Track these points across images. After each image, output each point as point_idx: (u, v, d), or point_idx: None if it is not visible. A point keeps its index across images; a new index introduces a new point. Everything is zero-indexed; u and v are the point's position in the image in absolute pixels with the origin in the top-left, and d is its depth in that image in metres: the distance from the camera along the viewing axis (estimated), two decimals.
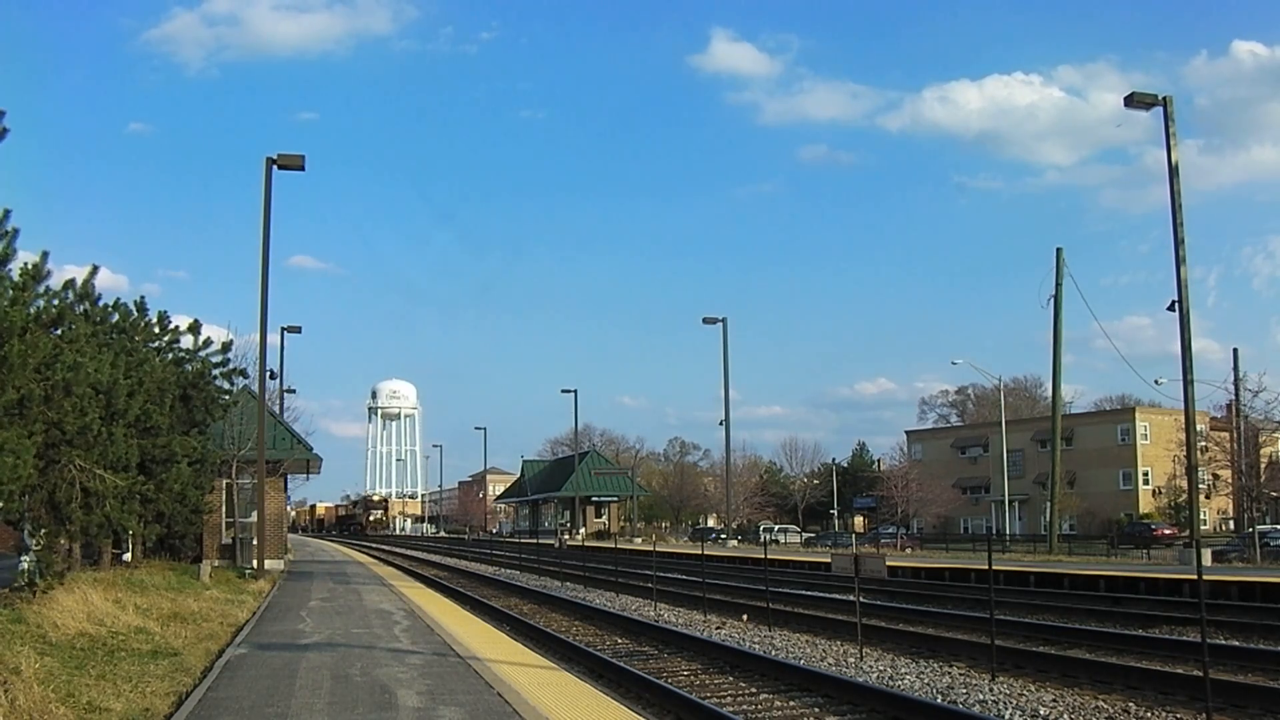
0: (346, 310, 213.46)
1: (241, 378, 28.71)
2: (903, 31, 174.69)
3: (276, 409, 41.62)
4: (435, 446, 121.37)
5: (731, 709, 10.21)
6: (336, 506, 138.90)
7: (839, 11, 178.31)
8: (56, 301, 15.54)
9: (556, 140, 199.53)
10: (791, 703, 10.82)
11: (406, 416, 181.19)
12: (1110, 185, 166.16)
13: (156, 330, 24.06)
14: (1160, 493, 73.67)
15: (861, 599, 16.29)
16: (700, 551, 29.74)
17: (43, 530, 16.61)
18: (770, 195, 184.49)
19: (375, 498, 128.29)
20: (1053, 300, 44.42)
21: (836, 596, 22.99)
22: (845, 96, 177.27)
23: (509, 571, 37.61)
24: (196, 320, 25.82)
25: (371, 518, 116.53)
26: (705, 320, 56.74)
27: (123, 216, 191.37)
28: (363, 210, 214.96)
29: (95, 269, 18.08)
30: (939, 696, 10.81)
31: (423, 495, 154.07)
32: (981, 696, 10.69)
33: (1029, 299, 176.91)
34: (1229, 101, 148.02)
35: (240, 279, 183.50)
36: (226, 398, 27.43)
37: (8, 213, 12.62)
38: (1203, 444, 48.66)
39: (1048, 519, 49.64)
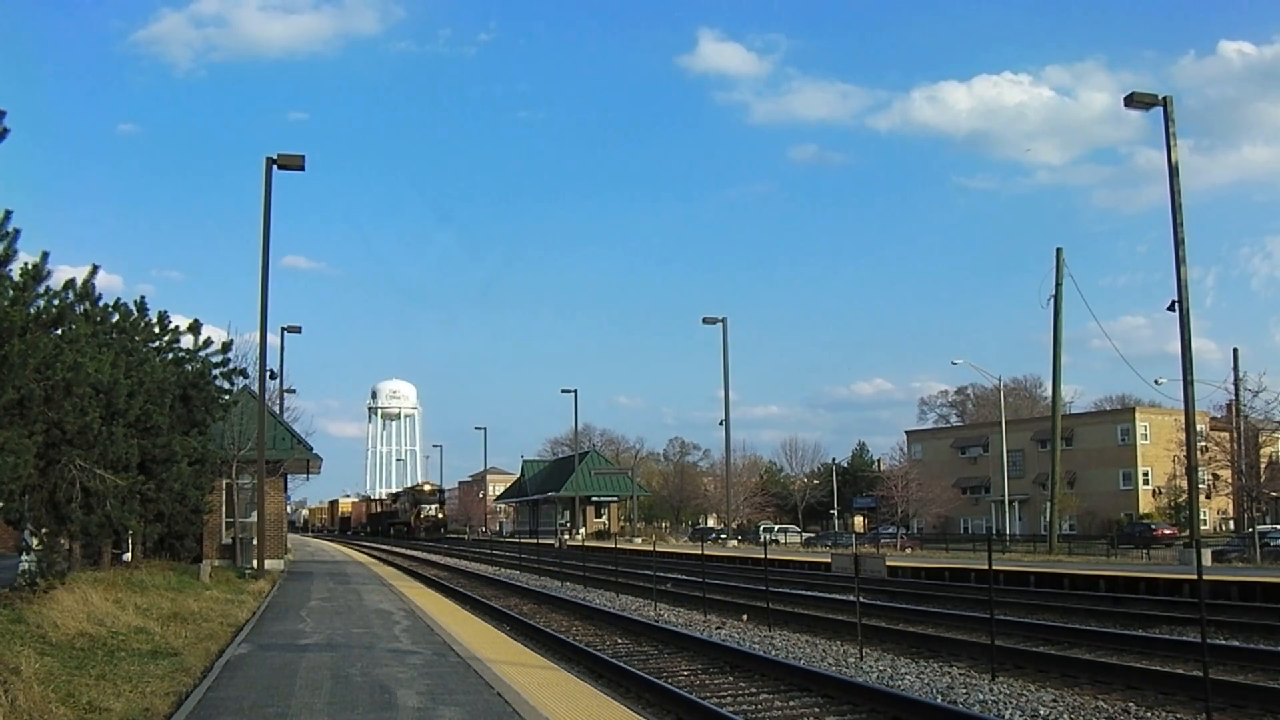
0: (343, 310, 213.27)
1: (241, 378, 28.72)
2: (890, 31, 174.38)
3: (276, 409, 41.63)
4: (435, 446, 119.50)
5: (731, 709, 10.22)
6: (368, 501, 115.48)
7: (826, 11, 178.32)
8: (57, 301, 15.51)
9: (555, 141, 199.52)
10: (791, 703, 10.82)
11: (406, 416, 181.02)
12: (1102, 185, 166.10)
13: (156, 330, 24.05)
14: (1160, 493, 73.65)
15: (861, 599, 16.28)
16: (700, 551, 29.74)
17: (43, 530, 16.61)
18: (763, 195, 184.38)
19: (426, 487, 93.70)
20: (1053, 300, 44.46)
21: (836, 596, 22.99)
22: (834, 96, 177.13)
23: (509, 571, 37.60)
24: (196, 320, 25.82)
25: (422, 515, 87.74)
26: (705, 320, 56.86)
27: (116, 217, 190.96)
28: (360, 210, 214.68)
29: (95, 269, 18.02)
30: (939, 696, 10.81)
31: None
32: (981, 696, 10.70)
33: (1027, 299, 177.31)
34: (1218, 101, 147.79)
35: (235, 279, 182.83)
36: (226, 398, 27.40)
37: (9, 214, 12.62)
38: (1203, 444, 48.63)
39: (1048, 519, 49.62)
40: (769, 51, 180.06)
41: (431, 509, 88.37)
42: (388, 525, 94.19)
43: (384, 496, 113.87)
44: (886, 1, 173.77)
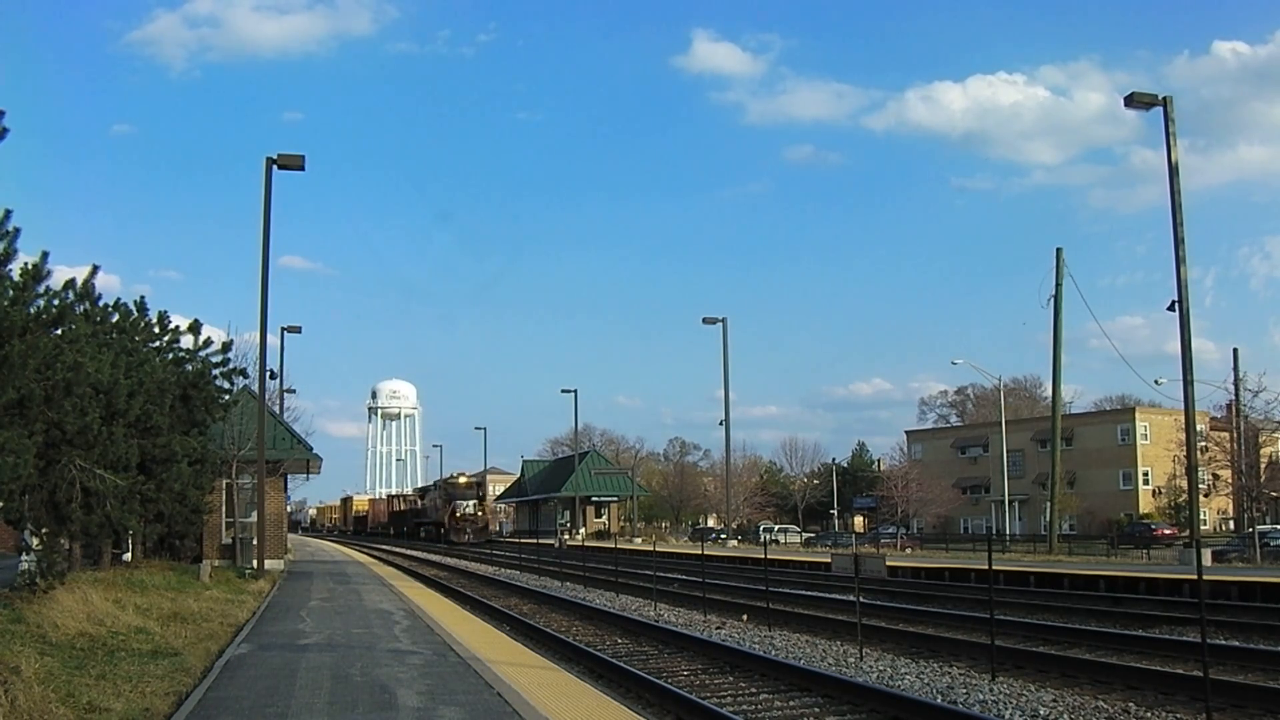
0: (343, 310, 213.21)
1: (241, 378, 28.72)
2: (885, 31, 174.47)
3: (276, 409, 41.64)
4: (435, 446, 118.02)
5: (731, 709, 10.21)
6: (390, 498, 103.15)
7: (820, 11, 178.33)
8: (57, 301, 15.51)
9: (553, 141, 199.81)
10: (791, 703, 10.82)
11: (406, 416, 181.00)
12: (1099, 185, 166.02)
13: (156, 330, 24.05)
14: (1160, 493, 73.68)
15: (861, 599, 16.29)
16: (700, 551, 29.75)
17: (43, 530, 16.61)
18: (760, 195, 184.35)
19: (461, 480, 75.85)
20: (1052, 300, 44.47)
21: (836, 596, 22.99)
22: (829, 96, 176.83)
23: (509, 571, 37.60)
24: (196, 320, 25.79)
25: (458, 514, 71.09)
26: (705, 320, 56.95)
27: (113, 217, 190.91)
28: (358, 210, 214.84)
29: (95, 269, 17.96)
30: (939, 696, 10.81)
31: None
32: (981, 696, 10.69)
33: (1027, 299, 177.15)
34: (1213, 101, 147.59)
35: (234, 279, 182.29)
36: (226, 398, 27.41)
37: (9, 213, 12.62)
38: (1203, 444, 48.64)
39: (1048, 519, 49.64)
40: (763, 51, 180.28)
41: (468, 506, 71.77)
42: (414, 526, 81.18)
43: (408, 492, 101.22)
44: (881, 1, 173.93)
